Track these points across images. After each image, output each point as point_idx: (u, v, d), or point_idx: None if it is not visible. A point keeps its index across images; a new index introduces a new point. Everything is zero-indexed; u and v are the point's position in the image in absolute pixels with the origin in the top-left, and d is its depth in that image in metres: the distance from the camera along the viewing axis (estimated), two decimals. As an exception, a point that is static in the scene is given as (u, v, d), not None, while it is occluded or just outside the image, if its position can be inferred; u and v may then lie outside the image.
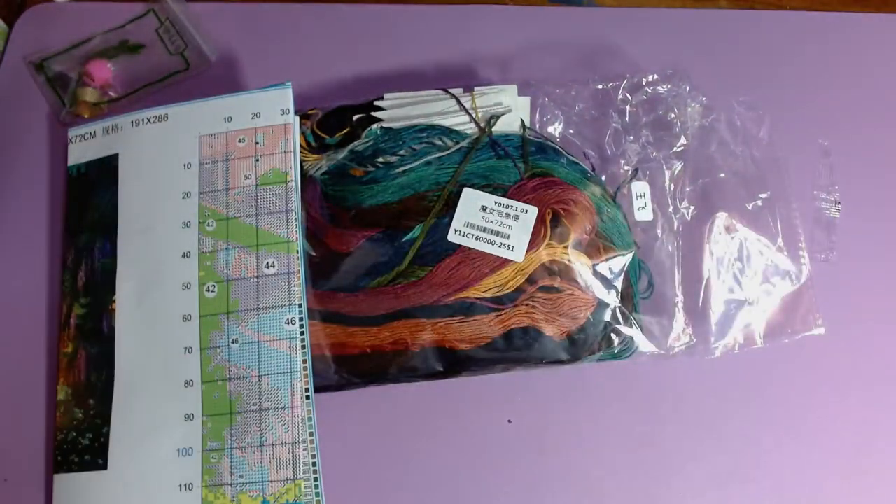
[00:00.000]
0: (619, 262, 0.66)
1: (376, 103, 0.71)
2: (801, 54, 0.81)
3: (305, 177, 0.68)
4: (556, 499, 0.65)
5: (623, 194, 0.70)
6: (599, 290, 0.65)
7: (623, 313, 0.65)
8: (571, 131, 0.72)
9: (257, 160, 0.66)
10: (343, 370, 0.64)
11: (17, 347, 0.69)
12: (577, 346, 0.65)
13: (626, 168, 0.70)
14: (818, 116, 0.78)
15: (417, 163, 0.67)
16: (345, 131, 0.70)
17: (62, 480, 0.62)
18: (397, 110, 0.70)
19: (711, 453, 0.67)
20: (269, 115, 0.67)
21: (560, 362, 0.65)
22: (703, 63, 0.79)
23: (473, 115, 0.69)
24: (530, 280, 0.64)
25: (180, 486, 0.60)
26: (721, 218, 0.70)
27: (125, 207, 0.67)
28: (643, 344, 0.66)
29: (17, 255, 0.72)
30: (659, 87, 0.73)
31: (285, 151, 0.66)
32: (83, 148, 0.71)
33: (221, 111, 0.68)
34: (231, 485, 0.59)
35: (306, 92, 0.77)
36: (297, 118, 0.68)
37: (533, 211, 0.65)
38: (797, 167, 0.74)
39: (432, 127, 0.69)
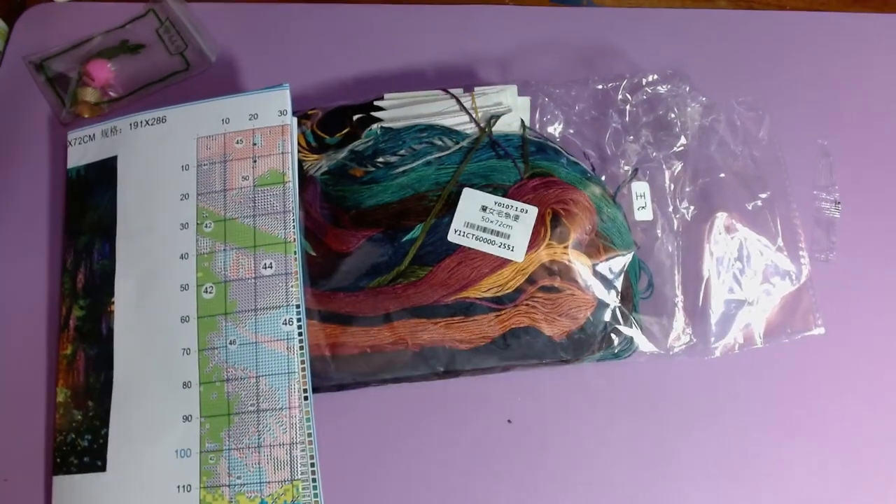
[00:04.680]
0: (619, 262, 0.66)
1: (376, 103, 0.71)
2: (801, 54, 0.81)
3: (305, 177, 0.68)
4: (556, 499, 0.65)
5: (623, 194, 0.70)
6: (599, 290, 0.65)
7: (623, 313, 0.65)
8: (571, 131, 0.72)
9: (255, 161, 0.66)
10: (343, 370, 0.64)
11: (17, 349, 0.69)
12: (577, 346, 0.65)
13: (626, 168, 0.70)
14: (818, 116, 0.78)
15: (417, 163, 0.67)
16: (345, 131, 0.70)
17: (61, 482, 0.62)
18: (397, 110, 0.70)
19: (711, 453, 0.66)
20: (266, 116, 0.67)
21: (560, 362, 0.65)
22: (703, 63, 0.79)
23: (473, 115, 0.69)
24: (530, 280, 0.64)
25: (178, 487, 0.60)
26: (721, 218, 0.70)
27: (124, 209, 0.67)
28: (643, 344, 0.66)
29: (18, 256, 0.72)
30: (659, 87, 0.73)
31: (283, 152, 0.66)
32: (82, 150, 0.71)
33: (219, 113, 0.68)
34: (229, 486, 0.59)
35: (306, 92, 0.77)
36: (295, 119, 0.68)
37: (533, 211, 0.65)
38: (797, 167, 0.74)
39: (432, 127, 0.69)
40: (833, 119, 0.78)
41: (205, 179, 0.66)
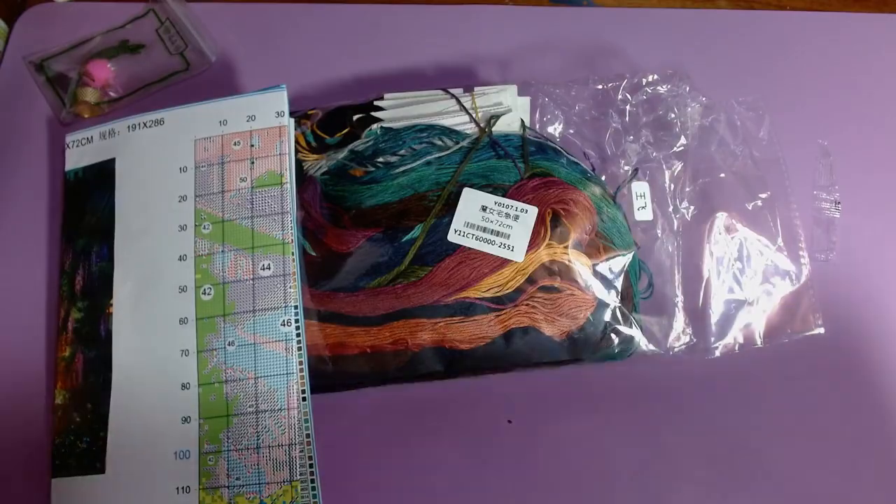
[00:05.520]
0: (619, 262, 0.66)
1: (376, 103, 0.71)
2: (800, 54, 0.81)
3: (305, 177, 0.68)
4: (557, 499, 0.65)
5: (623, 194, 0.70)
6: (599, 290, 0.65)
7: (623, 313, 0.65)
8: (571, 131, 0.72)
9: (252, 163, 0.66)
10: (343, 370, 0.64)
11: (15, 351, 0.68)
12: (577, 346, 0.65)
13: (626, 168, 0.70)
14: (818, 116, 0.78)
15: (417, 163, 0.67)
16: (345, 131, 0.70)
17: (60, 484, 0.62)
18: (397, 110, 0.70)
19: (711, 453, 0.66)
20: (264, 117, 0.67)
21: (560, 362, 0.65)
22: (703, 63, 0.79)
23: (473, 115, 0.69)
24: (530, 280, 0.64)
25: (178, 488, 0.60)
26: (721, 218, 0.70)
27: (122, 211, 0.67)
28: (643, 344, 0.66)
29: (16, 258, 0.72)
30: (659, 87, 0.73)
31: (280, 154, 0.66)
32: (80, 153, 0.70)
33: (216, 114, 0.68)
34: (228, 487, 0.59)
35: (306, 92, 0.77)
36: (293, 120, 0.68)
37: (533, 211, 0.65)
38: (797, 167, 0.73)
39: (432, 127, 0.69)
40: (833, 119, 0.78)
41: (203, 181, 0.66)
